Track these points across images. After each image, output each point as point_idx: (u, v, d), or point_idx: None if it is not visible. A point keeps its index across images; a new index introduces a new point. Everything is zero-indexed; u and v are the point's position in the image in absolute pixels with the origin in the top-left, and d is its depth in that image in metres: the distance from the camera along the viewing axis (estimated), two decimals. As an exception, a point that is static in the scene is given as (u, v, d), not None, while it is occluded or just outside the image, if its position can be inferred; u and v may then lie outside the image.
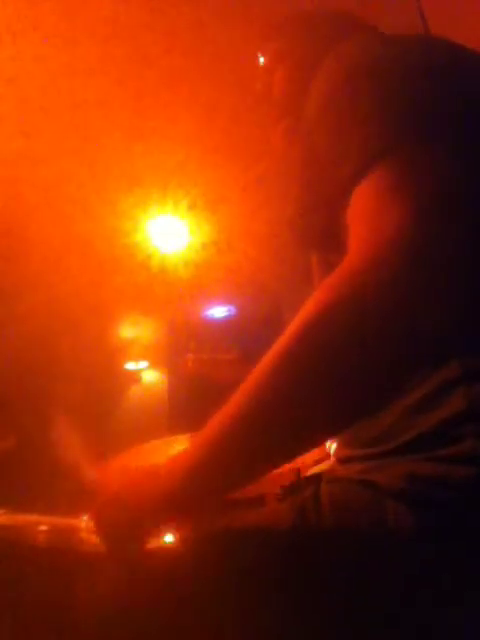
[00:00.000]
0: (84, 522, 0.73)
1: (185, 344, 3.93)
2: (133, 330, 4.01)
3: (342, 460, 0.72)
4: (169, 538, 0.69)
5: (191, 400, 3.61)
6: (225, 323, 3.86)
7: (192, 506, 0.56)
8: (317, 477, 0.74)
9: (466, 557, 0.54)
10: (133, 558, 0.58)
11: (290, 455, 0.54)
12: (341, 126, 0.60)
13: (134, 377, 4.00)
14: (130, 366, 3.97)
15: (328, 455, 0.84)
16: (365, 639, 0.55)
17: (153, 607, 0.59)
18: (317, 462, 0.98)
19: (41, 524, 0.70)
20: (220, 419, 0.52)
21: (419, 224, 0.48)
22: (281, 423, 0.50)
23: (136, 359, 3.98)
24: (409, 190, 0.51)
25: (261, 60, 0.93)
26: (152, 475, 0.57)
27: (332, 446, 0.78)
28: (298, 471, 0.96)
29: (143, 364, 4.01)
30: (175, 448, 0.75)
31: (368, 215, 0.52)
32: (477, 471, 0.54)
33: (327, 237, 0.63)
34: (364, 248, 0.50)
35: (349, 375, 0.48)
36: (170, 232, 3.12)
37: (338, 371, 0.48)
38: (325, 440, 0.65)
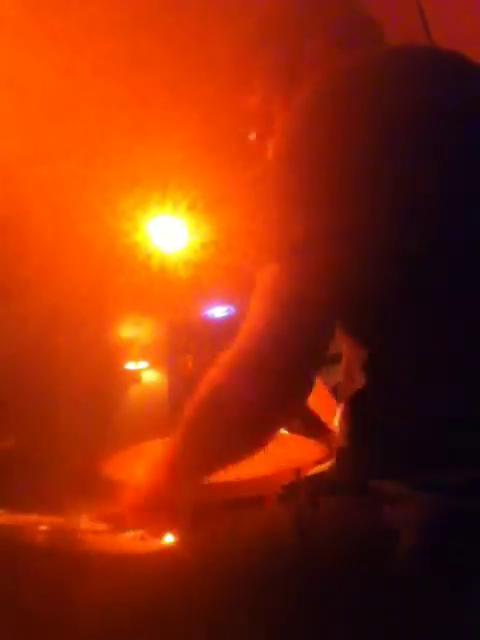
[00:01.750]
0: (84, 522, 0.73)
1: (185, 344, 3.93)
2: (133, 330, 4.01)
3: (342, 453, 0.72)
4: (170, 539, 0.69)
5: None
6: (225, 323, 3.86)
7: (171, 492, 0.72)
8: (317, 479, 0.74)
9: (464, 566, 0.54)
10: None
11: (214, 470, 0.71)
12: (266, 206, 0.68)
13: (134, 377, 4.00)
14: (130, 366, 3.97)
15: (328, 457, 0.84)
16: None
17: (153, 607, 0.59)
18: (317, 462, 0.98)
19: (41, 524, 0.70)
20: (171, 444, 0.72)
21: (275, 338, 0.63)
22: (198, 453, 0.71)
23: (136, 359, 3.97)
24: (283, 299, 0.63)
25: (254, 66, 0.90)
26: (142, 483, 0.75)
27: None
28: (298, 471, 0.96)
29: (143, 364, 4.00)
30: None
31: (255, 303, 0.65)
32: (474, 477, 0.55)
33: None
34: (240, 340, 0.65)
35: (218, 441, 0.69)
36: (170, 232, 3.12)
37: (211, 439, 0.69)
38: (232, 463, 0.76)
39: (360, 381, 0.65)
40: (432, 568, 0.55)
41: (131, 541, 0.70)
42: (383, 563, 0.56)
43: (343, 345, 0.72)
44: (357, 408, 0.65)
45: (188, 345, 3.92)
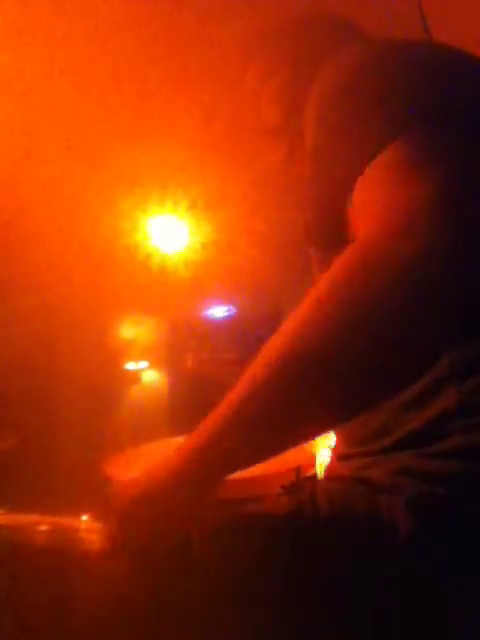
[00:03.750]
0: (84, 522, 0.73)
1: (185, 344, 3.93)
2: (133, 330, 4.01)
3: (341, 457, 0.73)
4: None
5: (191, 400, 3.61)
6: (225, 323, 3.86)
7: (200, 484, 0.57)
8: (315, 476, 0.75)
9: (460, 551, 0.55)
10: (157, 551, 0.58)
11: (295, 439, 0.53)
12: (358, 110, 0.58)
13: (134, 377, 4.00)
14: (130, 366, 3.97)
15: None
16: (361, 632, 0.56)
17: (153, 607, 0.59)
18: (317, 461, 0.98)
19: (41, 524, 0.70)
20: (222, 409, 0.53)
21: (444, 197, 0.45)
22: (288, 405, 0.49)
23: (136, 359, 3.97)
24: (431, 164, 0.49)
25: (248, 76, 0.91)
26: (159, 465, 0.58)
27: (331, 443, 0.79)
28: (298, 471, 0.96)
29: (143, 364, 4.00)
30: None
31: (390, 185, 0.49)
32: (466, 466, 0.55)
33: (338, 237, 0.59)
34: (386, 217, 0.47)
35: (364, 356, 0.45)
36: (170, 232, 3.13)
37: (349, 354, 0.45)
38: (323, 430, 0.62)
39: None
40: (430, 555, 0.55)
41: None
42: (382, 551, 0.56)
43: None
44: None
45: (188, 345, 3.92)
